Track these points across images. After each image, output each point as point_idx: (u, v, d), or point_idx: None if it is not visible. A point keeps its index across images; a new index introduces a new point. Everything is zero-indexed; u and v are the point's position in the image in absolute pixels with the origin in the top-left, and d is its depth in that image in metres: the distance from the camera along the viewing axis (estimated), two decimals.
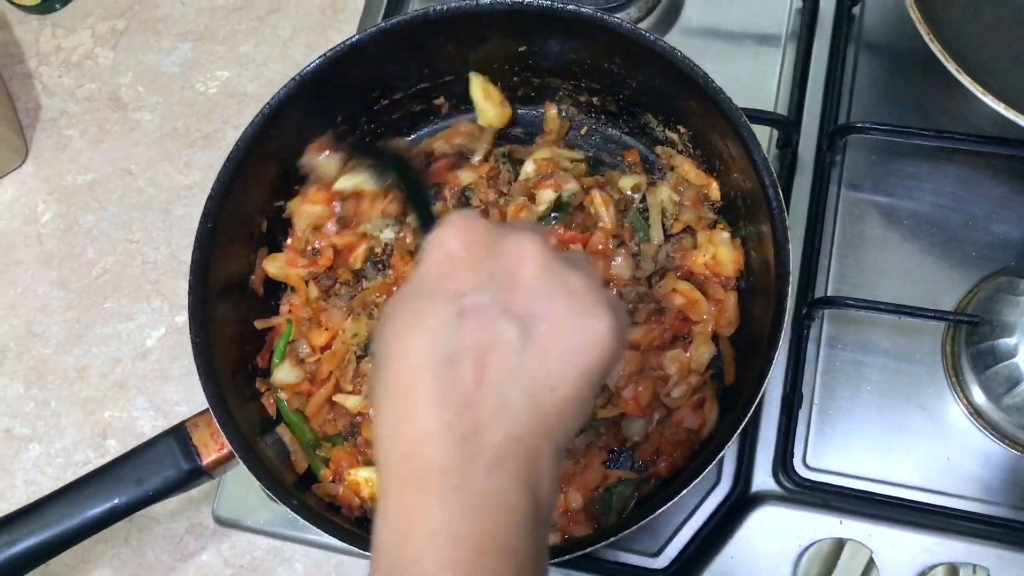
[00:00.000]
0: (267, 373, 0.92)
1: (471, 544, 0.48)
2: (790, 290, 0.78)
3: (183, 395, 1.07)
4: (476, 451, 0.49)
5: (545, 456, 0.51)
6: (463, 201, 0.96)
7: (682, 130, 0.93)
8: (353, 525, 0.84)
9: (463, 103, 1.01)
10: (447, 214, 0.58)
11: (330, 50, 0.89)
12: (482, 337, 0.51)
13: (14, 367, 1.10)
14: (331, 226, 0.94)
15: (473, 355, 0.51)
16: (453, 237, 0.55)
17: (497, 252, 0.54)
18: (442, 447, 0.49)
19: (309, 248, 0.94)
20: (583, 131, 1.01)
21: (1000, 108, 0.81)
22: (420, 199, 0.83)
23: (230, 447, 0.80)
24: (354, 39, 0.89)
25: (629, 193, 0.94)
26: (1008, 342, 0.82)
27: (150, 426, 1.06)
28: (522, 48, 0.94)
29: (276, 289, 0.96)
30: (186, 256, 0.84)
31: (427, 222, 0.75)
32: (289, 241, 0.95)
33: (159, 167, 1.18)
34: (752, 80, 1.03)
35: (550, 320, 0.52)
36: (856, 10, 1.04)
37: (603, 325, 0.53)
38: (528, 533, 0.50)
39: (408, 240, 0.94)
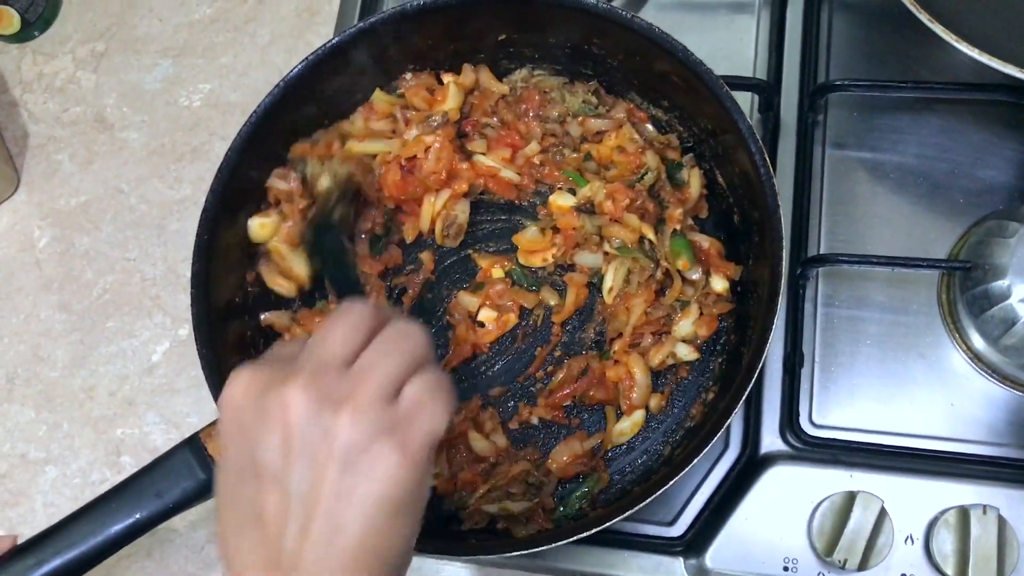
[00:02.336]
0: None
1: None
2: (784, 253, 0.79)
3: (193, 406, 1.08)
4: None
5: None
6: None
7: (666, 104, 0.94)
8: None
9: None
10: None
11: (312, 54, 0.90)
12: (268, 498, 0.55)
13: (24, 392, 1.11)
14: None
15: (263, 518, 0.55)
16: (228, 399, 0.58)
17: (265, 407, 0.56)
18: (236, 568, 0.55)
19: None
20: None
21: (974, 54, 0.81)
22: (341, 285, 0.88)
23: None
24: (334, 41, 0.90)
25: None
26: (1001, 284, 0.83)
27: (162, 440, 1.07)
28: (501, 37, 0.95)
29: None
30: (184, 270, 0.85)
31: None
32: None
33: (149, 184, 1.18)
34: (729, 48, 1.03)
35: (320, 466, 0.54)
36: None
37: (377, 461, 0.54)
38: None
39: None
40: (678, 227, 0.89)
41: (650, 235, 0.88)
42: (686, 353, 0.89)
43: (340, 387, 0.56)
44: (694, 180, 0.92)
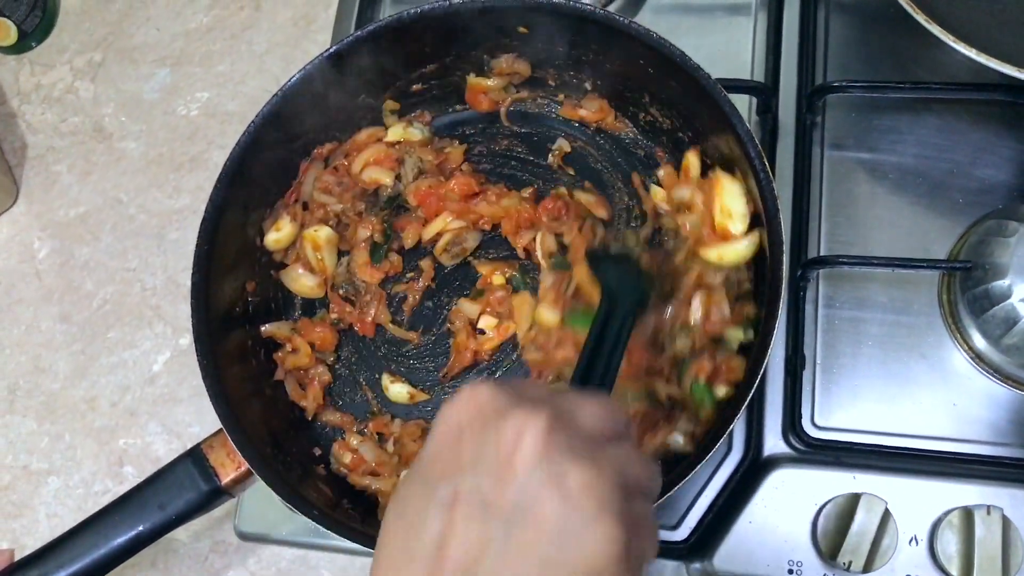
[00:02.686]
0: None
1: None
2: (784, 256, 0.79)
3: (195, 416, 1.08)
4: None
5: None
6: None
7: (664, 108, 0.94)
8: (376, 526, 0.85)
9: (453, 99, 1.02)
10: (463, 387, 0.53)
11: (309, 63, 0.90)
12: (458, 532, 0.48)
13: (25, 404, 1.11)
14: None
15: (445, 551, 0.47)
16: (457, 411, 0.51)
17: (496, 428, 0.49)
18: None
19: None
20: None
21: (972, 54, 0.81)
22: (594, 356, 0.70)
23: (247, 465, 0.81)
24: (332, 50, 0.90)
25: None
26: (1002, 284, 0.83)
27: (165, 450, 1.07)
28: (503, 43, 0.95)
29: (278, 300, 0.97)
30: (184, 279, 0.85)
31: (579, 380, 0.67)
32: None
33: (148, 193, 1.19)
34: (726, 51, 1.03)
35: (535, 519, 0.47)
36: None
37: (597, 537, 0.47)
38: None
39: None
40: (702, 379, 0.83)
41: (669, 391, 0.84)
42: (681, 444, 0.84)
43: (583, 448, 0.49)
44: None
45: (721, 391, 0.82)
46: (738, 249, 0.84)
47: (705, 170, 0.90)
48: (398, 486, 0.54)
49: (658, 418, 0.83)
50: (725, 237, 0.85)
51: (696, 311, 0.83)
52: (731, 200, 0.85)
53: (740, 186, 0.85)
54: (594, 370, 0.68)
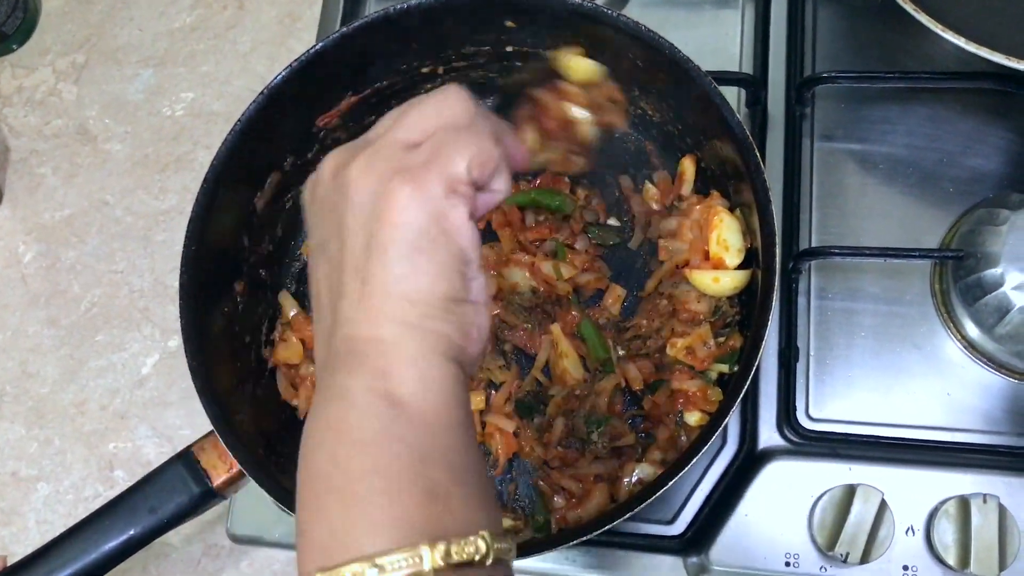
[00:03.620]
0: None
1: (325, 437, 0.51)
2: (776, 248, 0.78)
3: (185, 419, 1.07)
4: (325, 364, 0.53)
5: (388, 342, 0.51)
6: None
7: (653, 101, 0.94)
8: None
9: None
10: None
11: (295, 60, 0.89)
12: (324, 269, 0.55)
13: (13, 409, 1.10)
14: None
15: (321, 287, 0.55)
16: (318, 173, 0.57)
17: (343, 179, 0.55)
18: (317, 372, 0.55)
19: None
20: None
21: (960, 42, 0.81)
22: None
23: (239, 466, 0.80)
24: (318, 47, 0.89)
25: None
26: (994, 272, 0.82)
27: (155, 453, 1.07)
28: (491, 38, 0.94)
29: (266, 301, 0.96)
30: (172, 281, 0.85)
31: None
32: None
33: (134, 195, 1.18)
34: (715, 44, 1.03)
35: (346, 227, 0.53)
36: None
37: (386, 199, 0.51)
38: (374, 419, 0.49)
39: None
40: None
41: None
42: (649, 473, 0.86)
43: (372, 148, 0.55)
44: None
45: (693, 418, 0.86)
46: (736, 276, 0.86)
47: (702, 180, 0.92)
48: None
49: (631, 453, 0.88)
50: (717, 266, 0.87)
51: (679, 348, 0.88)
52: (730, 235, 0.87)
53: (739, 223, 0.87)
54: None
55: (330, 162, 0.56)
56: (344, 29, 0.90)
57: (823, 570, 0.82)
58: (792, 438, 0.88)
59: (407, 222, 0.51)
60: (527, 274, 0.93)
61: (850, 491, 0.82)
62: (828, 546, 0.81)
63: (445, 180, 0.52)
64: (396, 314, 0.51)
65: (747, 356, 0.78)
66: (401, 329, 0.51)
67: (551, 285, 0.93)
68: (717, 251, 0.87)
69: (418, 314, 0.51)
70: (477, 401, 0.92)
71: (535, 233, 0.95)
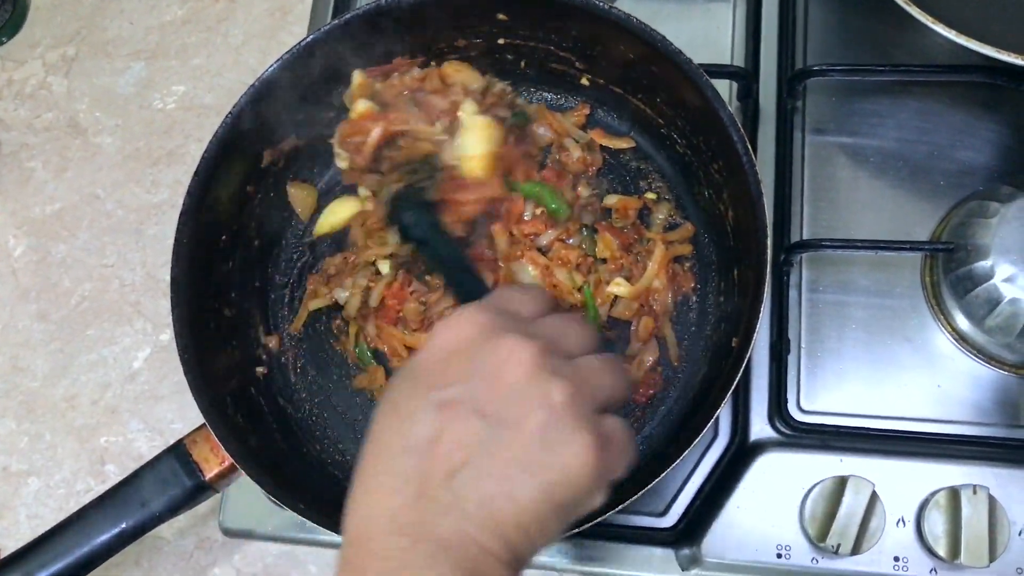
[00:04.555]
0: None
1: None
2: (768, 241, 0.79)
3: (177, 413, 1.07)
4: (419, 540, 0.50)
5: (493, 557, 0.51)
6: None
7: (644, 96, 0.94)
8: None
9: None
10: (465, 308, 0.59)
11: (286, 52, 0.89)
12: (450, 430, 0.53)
13: (4, 404, 1.10)
14: None
15: (436, 447, 0.52)
16: (454, 330, 0.57)
17: (491, 349, 0.55)
18: (385, 533, 0.51)
19: None
20: None
21: (951, 35, 0.81)
22: (454, 279, 0.79)
23: (231, 459, 0.80)
24: (309, 39, 0.89)
25: None
26: (984, 264, 0.83)
27: (147, 447, 1.06)
28: (483, 31, 0.94)
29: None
30: (163, 275, 0.85)
31: (463, 298, 0.74)
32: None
33: (126, 188, 1.17)
34: (706, 36, 1.03)
35: (521, 427, 0.52)
36: None
37: (575, 450, 0.53)
38: None
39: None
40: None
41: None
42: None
43: (566, 369, 0.55)
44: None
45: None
46: None
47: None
48: (389, 386, 0.58)
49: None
50: None
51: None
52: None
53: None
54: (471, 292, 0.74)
55: (511, 338, 0.55)
56: (335, 21, 0.90)
57: (814, 561, 0.83)
58: (783, 430, 0.88)
59: (575, 486, 0.53)
60: (538, 275, 0.92)
61: (841, 483, 0.82)
62: (819, 537, 0.81)
63: (616, 469, 0.57)
64: (512, 544, 0.52)
65: (739, 348, 0.79)
66: (507, 559, 0.52)
67: (559, 290, 0.92)
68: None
69: (524, 553, 0.53)
70: None
71: (531, 227, 0.95)
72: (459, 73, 0.91)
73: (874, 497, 0.81)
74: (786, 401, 0.89)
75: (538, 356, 0.54)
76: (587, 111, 0.99)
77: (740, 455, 0.88)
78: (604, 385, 0.58)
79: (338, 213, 0.97)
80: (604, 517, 0.75)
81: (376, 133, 0.84)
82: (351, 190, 0.96)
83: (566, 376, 0.54)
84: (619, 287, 0.90)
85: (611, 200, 0.94)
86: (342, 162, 0.87)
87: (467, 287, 0.76)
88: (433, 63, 0.96)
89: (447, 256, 0.81)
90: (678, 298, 0.92)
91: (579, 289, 0.91)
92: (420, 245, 0.82)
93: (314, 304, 0.95)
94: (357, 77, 0.89)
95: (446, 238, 0.82)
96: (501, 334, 0.55)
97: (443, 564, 0.49)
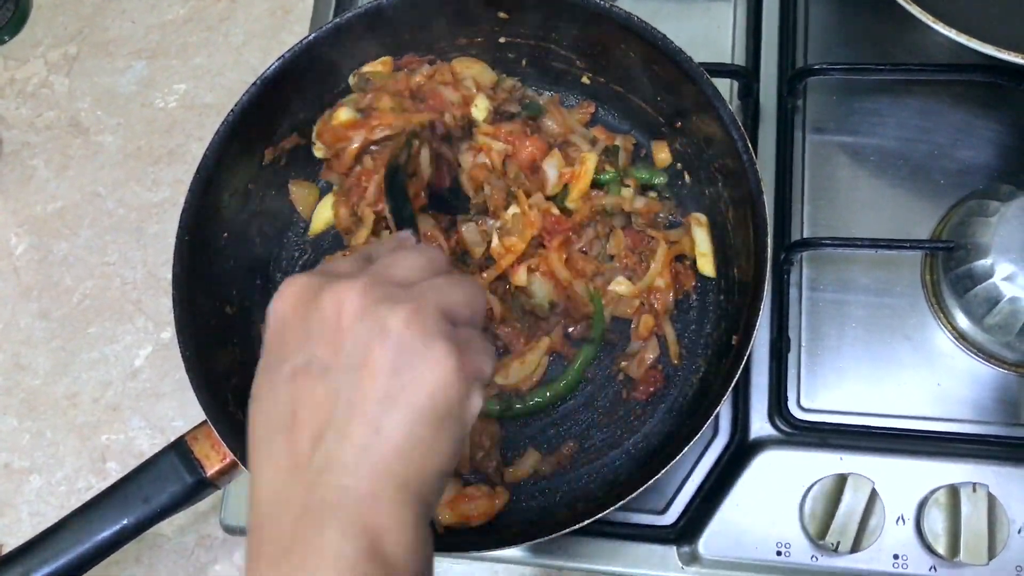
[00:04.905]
0: None
1: None
2: (768, 240, 0.79)
3: (178, 410, 1.07)
4: (303, 512, 0.50)
5: (385, 500, 0.50)
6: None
7: (644, 93, 0.94)
8: None
9: None
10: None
11: (288, 51, 0.89)
12: (304, 398, 0.52)
13: (5, 401, 1.10)
14: None
15: (296, 418, 0.52)
16: (280, 302, 0.56)
17: (316, 307, 0.54)
18: (274, 515, 0.51)
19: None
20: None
21: (951, 34, 0.81)
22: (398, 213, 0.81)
23: (232, 456, 0.80)
24: (310, 38, 0.89)
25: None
26: (984, 263, 0.83)
27: (148, 444, 1.06)
28: (484, 29, 0.94)
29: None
30: (164, 273, 0.85)
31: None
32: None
33: (127, 187, 1.17)
34: (707, 35, 1.03)
35: (368, 365, 0.52)
36: None
37: (429, 362, 0.52)
38: None
39: None
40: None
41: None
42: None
43: (399, 294, 0.54)
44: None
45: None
46: None
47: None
48: (253, 383, 0.57)
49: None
50: None
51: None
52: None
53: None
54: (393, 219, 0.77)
55: (332, 288, 0.54)
56: (337, 20, 0.90)
57: (814, 559, 0.83)
58: (783, 428, 0.89)
59: (443, 397, 0.52)
60: (551, 287, 0.91)
61: (841, 481, 0.82)
62: (819, 535, 0.81)
63: (483, 370, 0.56)
64: (400, 478, 0.51)
65: (739, 346, 0.79)
66: (402, 495, 0.51)
67: (575, 301, 0.92)
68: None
69: (419, 483, 0.52)
70: None
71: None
72: (470, 68, 0.92)
73: (874, 495, 0.81)
74: (786, 399, 0.89)
75: (363, 292, 0.53)
76: (592, 109, 0.99)
77: (740, 453, 0.88)
78: (450, 300, 0.56)
79: (327, 210, 0.97)
80: (604, 514, 0.75)
81: (357, 142, 0.89)
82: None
83: (399, 300, 0.53)
84: (621, 286, 0.91)
85: (639, 204, 0.94)
86: (318, 151, 0.94)
87: (392, 209, 0.79)
88: (439, 61, 0.96)
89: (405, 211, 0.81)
90: (679, 296, 0.92)
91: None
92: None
93: None
94: (354, 78, 0.93)
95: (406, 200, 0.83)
96: (323, 288, 0.55)
97: (331, 527, 0.49)
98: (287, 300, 0.56)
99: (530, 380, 0.91)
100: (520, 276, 0.90)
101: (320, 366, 0.53)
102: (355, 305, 0.53)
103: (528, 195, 0.92)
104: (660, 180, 0.95)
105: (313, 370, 0.53)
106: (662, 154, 0.95)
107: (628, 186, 0.94)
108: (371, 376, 0.51)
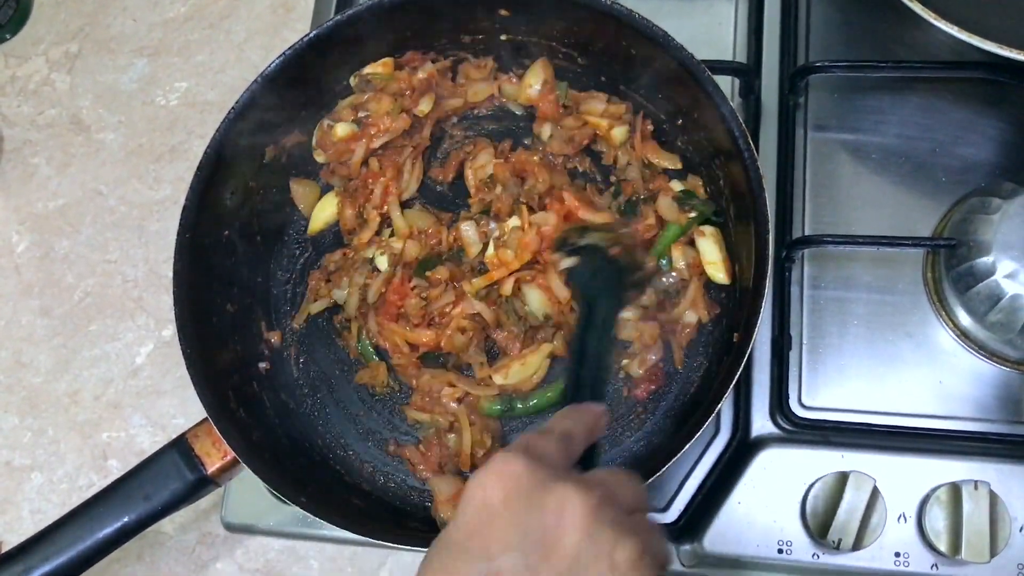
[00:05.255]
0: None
1: None
2: (769, 237, 0.79)
3: (179, 408, 1.07)
4: None
5: None
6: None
7: (644, 91, 0.94)
8: (363, 515, 0.85)
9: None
10: (491, 459, 0.53)
11: (289, 48, 0.89)
12: None
13: (7, 399, 1.10)
14: None
15: None
16: (492, 486, 0.51)
17: (538, 506, 0.50)
18: None
19: None
20: None
21: (953, 31, 0.81)
22: (581, 367, 0.71)
23: (233, 453, 0.80)
24: (312, 35, 0.89)
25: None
26: (986, 261, 0.83)
27: (149, 442, 1.06)
28: (485, 26, 0.94)
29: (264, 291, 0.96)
30: (165, 270, 0.85)
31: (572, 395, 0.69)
32: None
33: (128, 185, 1.17)
34: (709, 33, 1.03)
35: None
36: None
37: None
38: None
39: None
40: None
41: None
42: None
43: (626, 523, 0.51)
44: None
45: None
46: None
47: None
48: (426, 560, 0.52)
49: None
50: None
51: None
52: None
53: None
54: (583, 385, 0.69)
55: (558, 490, 0.51)
56: (338, 17, 0.90)
57: (816, 557, 0.83)
58: (785, 426, 0.88)
59: None
60: (545, 299, 0.91)
61: (842, 478, 0.82)
62: (821, 533, 0.81)
63: None
64: None
65: (740, 344, 0.79)
66: None
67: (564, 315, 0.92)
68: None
69: None
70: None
71: None
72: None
73: (875, 493, 0.81)
74: (787, 397, 0.89)
75: (595, 509, 0.50)
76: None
77: (742, 451, 0.88)
78: (660, 548, 0.54)
79: (327, 208, 0.97)
80: None
81: (360, 153, 0.94)
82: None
83: (627, 532, 0.50)
84: (625, 313, 0.89)
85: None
86: (319, 156, 0.98)
87: (583, 384, 0.70)
88: (441, 58, 0.97)
89: (592, 339, 0.73)
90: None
91: None
92: (586, 303, 0.79)
93: (315, 308, 0.96)
94: (355, 79, 0.96)
95: (612, 331, 0.78)
96: (548, 484, 0.50)
97: None
98: (500, 486, 0.51)
99: (531, 381, 0.91)
100: (507, 287, 0.91)
101: (528, 572, 0.49)
102: (583, 522, 0.49)
103: (532, 211, 0.92)
104: (711, 209, 0.92)
105: (523, 563, 0.49)
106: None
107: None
108: None
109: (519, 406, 0.91)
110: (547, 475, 0.51)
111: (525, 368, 0.90)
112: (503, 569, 0.49)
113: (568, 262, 0.85)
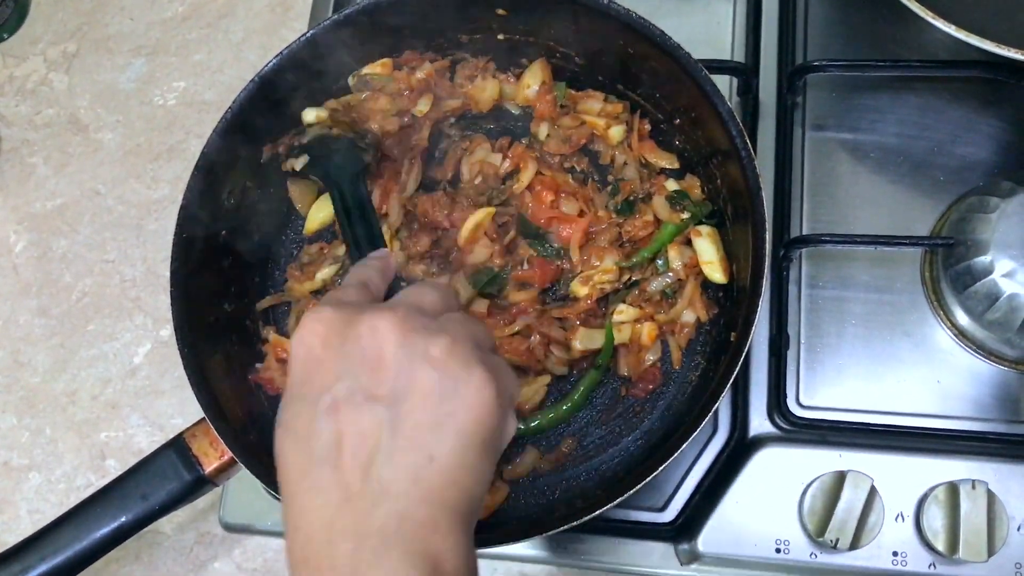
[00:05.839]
0: None
1: None
2: (767, 236, 0.79)
3: (177, 407, 1.07)
4: (361, 540, 0.50)
5: (442, 525, 0.51)
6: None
7: (643, 91, 0.94)
8: None
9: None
10: (303, 318, 0.58)
11: (286, 47, 0.89)
12: (349, 428, 0.52)
13: (4, 399, 1.10)
14: None
15: (342, 448, 0.52)
16: (309, 336, 0.56)
17: (353, 337, 0.55)
18: (328, 546, 0.51)
19: None
20: None
21: (951, 30, 0.81)
22: (352, 230, 0.81)
23: (231, 453, 0.80)
24: (309, 34, 0.89)
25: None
26: (984, 260, 0.83)
27: (147, 442, 1.06)
28: (482, 25, 0.94)
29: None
30: (163, 270, 0.84)
31: (356, 254, 0.77)
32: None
33: (126, 184, 1.17)
34: (707, 32, 1.03)
35: (415, 393, 0.53)
36: None
37: (472, 388, 0.54)
38: None
39: None
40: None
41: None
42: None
43: (433, 325, 0.56)
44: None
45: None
46: None
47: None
48: (279, 415, 0.57)
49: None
50: None
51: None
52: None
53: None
54: (360, 243, 0.78)
55: (367, 318, 0.55)
56: (336, 17, 0.90)
57: (813, 556, 0.83)
58: (783, 425, 0.88)
59: (487, 422, 0.54)
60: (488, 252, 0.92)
61: (840, 478, 0.82)
62: (818, 532, 0.81)
63: (514, 395, 0.58)
64: (452, 503, 0.52)
65: (737, 343, 0.79)
66: (455, 519, 0.52)
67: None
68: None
69: (467, 507, 0.53)
70: None
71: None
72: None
73: (873, 492, 0.81)
74: (785, 396, 0.89)
75: (402, 321, 0.55)
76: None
77: (739, 450, 0.88)
78: (474, 331, 0.58)
79: (324, 209, 0.97)
80: (603, 511, 0.75)
81: None
82: None
83: (435, 331, 0.55)
84: (621, 315, 0.89)
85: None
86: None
87: (360, 243, 0.79)
88: (440, 58, 0.96)
89: (354, 208, 0.83)
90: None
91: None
92: (333, 187, 0.85)
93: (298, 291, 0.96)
94: (353, 79, 0.95)
95: (363, 189, 0.85)
96: (354, 319, 0.55)
97: (391, 554, 0.50)
98: (316, 333, 0.56)
99: (531, 402, 0.90)
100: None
101: (364, 395, 0.53)
102: (395, 335, 0.54)
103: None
104: (705, 210, 0.91)
105: (357, 399, 0.53)
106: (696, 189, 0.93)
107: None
108: (418, 404, 0.53)
109: (520, 428, 0.90)
110: (353, 311, 0.56)
111: (527, 389, 0.90)
112: (339, 396, 0.53)
113: (299, 162, 0.91)
